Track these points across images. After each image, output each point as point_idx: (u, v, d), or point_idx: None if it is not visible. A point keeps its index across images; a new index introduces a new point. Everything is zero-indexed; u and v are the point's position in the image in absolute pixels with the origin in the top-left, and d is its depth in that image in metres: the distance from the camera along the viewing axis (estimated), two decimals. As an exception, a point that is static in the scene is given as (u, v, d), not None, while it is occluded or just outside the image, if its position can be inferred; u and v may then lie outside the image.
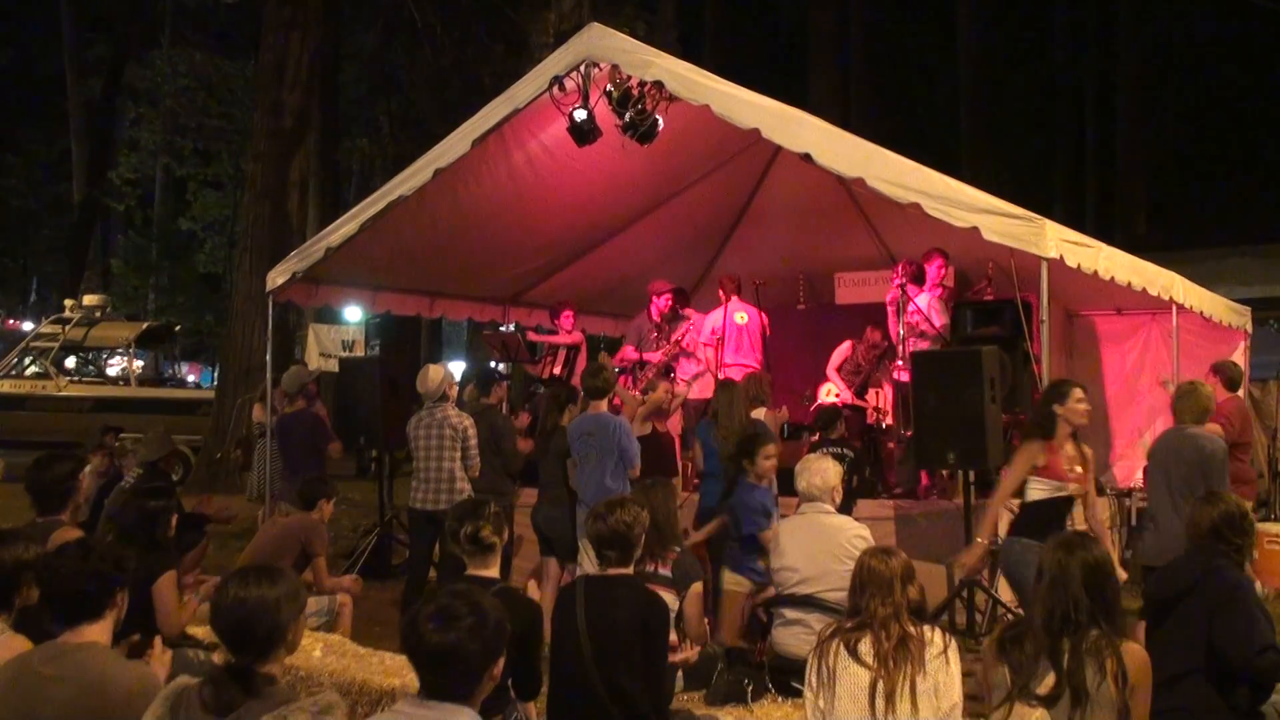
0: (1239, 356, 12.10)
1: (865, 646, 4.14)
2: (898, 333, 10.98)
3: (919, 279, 10.84)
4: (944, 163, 8.81)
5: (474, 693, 3.24)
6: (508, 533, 5.43)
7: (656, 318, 11.74)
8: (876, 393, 11.49)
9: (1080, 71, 33.20)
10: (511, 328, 13.70)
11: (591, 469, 8.13)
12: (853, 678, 4.09)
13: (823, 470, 6.63)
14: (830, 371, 11.79)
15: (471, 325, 18.82)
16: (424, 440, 8.84)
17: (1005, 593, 8.47)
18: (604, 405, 8.40)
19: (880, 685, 4.05)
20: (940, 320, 10.49)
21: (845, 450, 9.07)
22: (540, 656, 4.95)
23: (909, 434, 9.59)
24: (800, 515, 6.65)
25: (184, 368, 31.17)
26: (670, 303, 11.69)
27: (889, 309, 11.10)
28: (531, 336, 13.03)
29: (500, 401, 9.86)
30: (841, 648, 4.17)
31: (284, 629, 3.43)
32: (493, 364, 14.07)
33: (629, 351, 11.86)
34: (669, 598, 6.14)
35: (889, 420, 11.13)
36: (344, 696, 5.53)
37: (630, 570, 5.10)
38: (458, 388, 9.70)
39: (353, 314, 18.16)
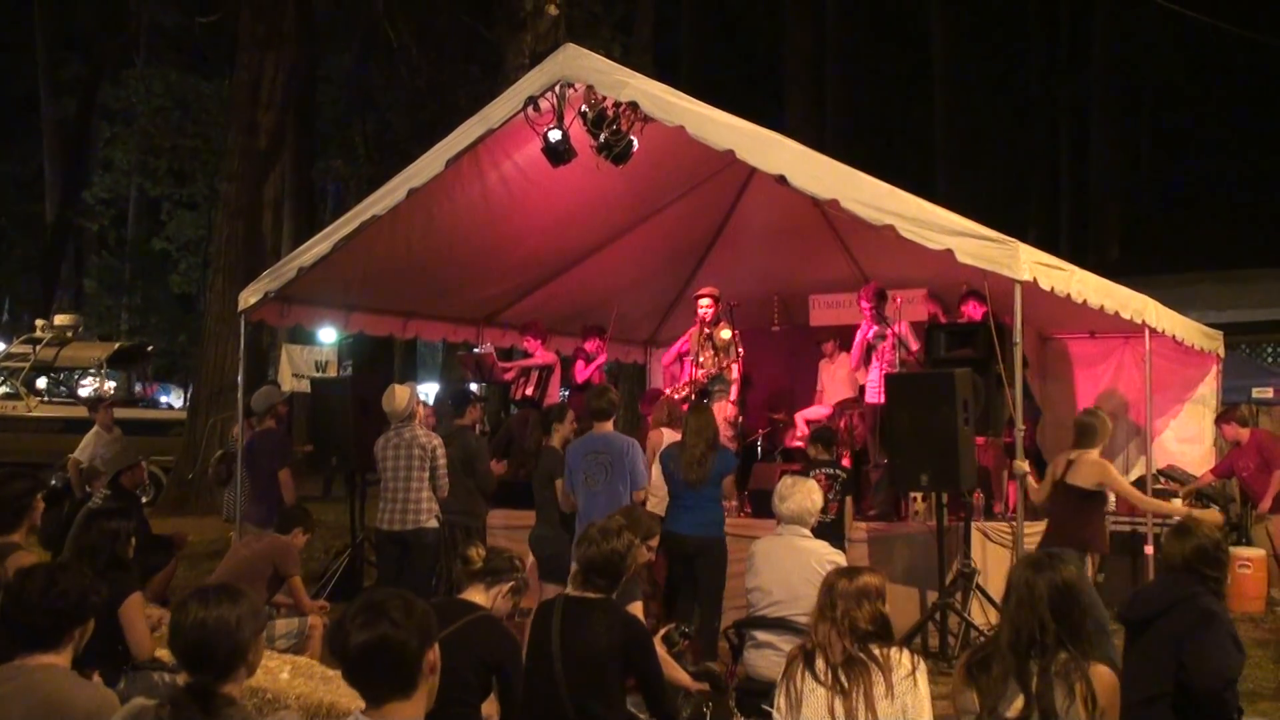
0: (1211, 380, 12.17)
1: (820, 664, 4.10)
2: (859, 357, 11.03)
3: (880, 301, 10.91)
4: (920, 187, 8.83)
5: (415, 686, 3.10)
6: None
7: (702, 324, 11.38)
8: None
9: (1054, 97, 33.41)
10: (488, 348, 13.65)
11: (599, 490, 7.98)
12: (818, 700, 4.05)
13: (810, 493, 6.59)
14: (798, 419, 11.79)
15: (446, 346, 18.77)
16: (391, 461, 8.78)
17: (978, 615, 8.48)
18: (609, 425, 8.29)
19: (838, 703, 4.01)
20: (915, 345, 10.53)
21: (838, 471, 9.02)
22: (521, 687, 4.88)
23: (884, 459, 9.60)
24: (777, 536, 6.60)
25: (169, 392, 30.98)
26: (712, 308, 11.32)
27: (856, 343, 11.17)
28: (507, 376, 12.86)
29: (475, 422, 9.78)
30: (804, 668, 4.14)
31: (244, 649, 3.37)
32: (471, 385, 14.01)
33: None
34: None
35: (859, 444, 11.13)
36: (311, 719, 5.48)
37: (613, 595, 5.05)
38: (433, 408, 9.63)
39: (327, 335, 18.05)
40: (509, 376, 12.80)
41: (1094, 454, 7.95)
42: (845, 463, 11.12)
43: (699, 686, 6.30)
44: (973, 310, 10.36)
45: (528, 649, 4.95)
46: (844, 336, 11.94)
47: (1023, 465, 7.94)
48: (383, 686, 3.08)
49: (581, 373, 12.46)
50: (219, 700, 3.29)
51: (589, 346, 12.62)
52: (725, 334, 11.15)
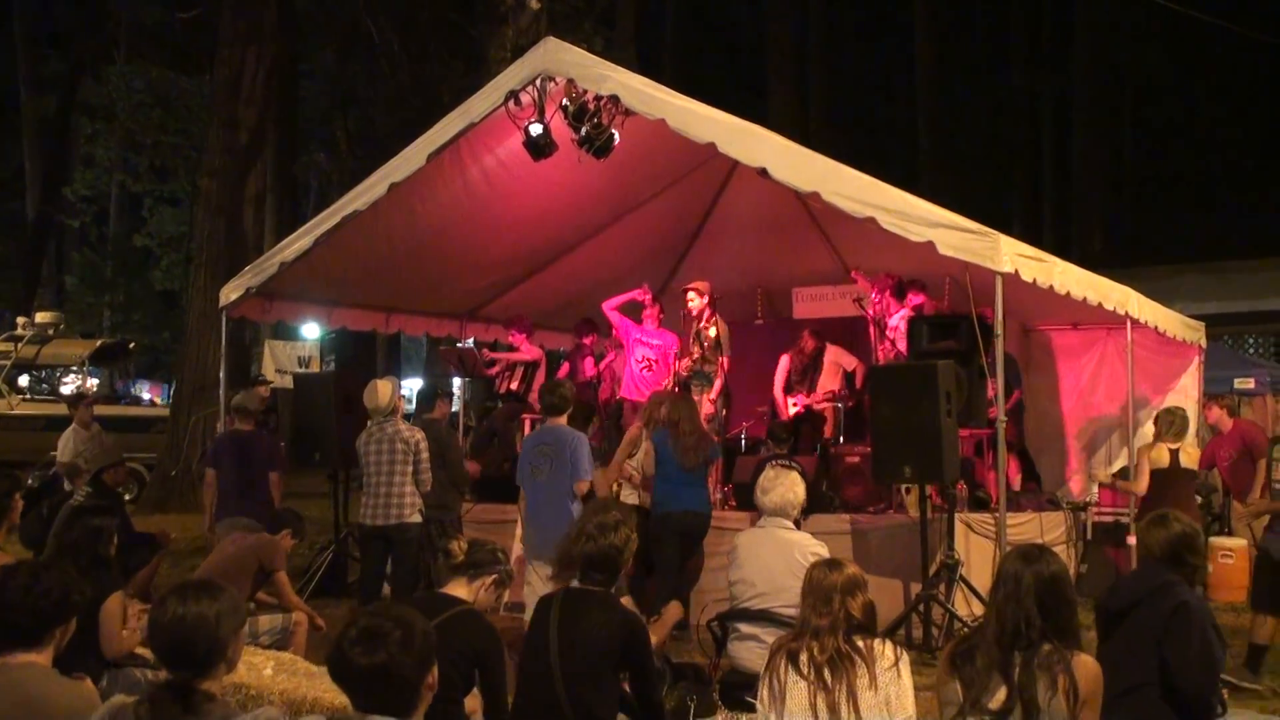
0: (1193, 372, 12.19)
1: (804, 658, 4.11)
2: (881, 350, 11.02)
3: (899, 294, 10.88)
4: (903, 180, 8.87)
5: (415, 708, 3.15)
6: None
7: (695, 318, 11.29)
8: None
9: (1037, 90, 33.47)
10: (470, 343, 13.62)
11: (543, 482, 8.04)
12: (801, 692, 4.06)
13: (793, 485, 6.60)
14: (778, 393, 11.89)
15: (429, 341, 18.71)
16: (374, 456, 8.74)
17: (961, 607, 8.48)
18: (563, 420, 8.30)
19: (820, 698, 4.02)
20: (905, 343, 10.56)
21: (791, 464, 9.04)
22: (505, 682, 4.88)
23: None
24: (760, 529, 6.61)
25: (145, 387, 30.86)
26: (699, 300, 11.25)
27: (871, 328, 11.14)
28: (491, 371, 12.79)
29: (444, 416, 9.75)
30: (786, 662, 4.14)
31: (223, 646, 3.34)
32: (454, 379, 13.96)
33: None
34: None
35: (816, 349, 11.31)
36: (295, 715, 5.46)
37: (611, 588, 5.06)
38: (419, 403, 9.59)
39: (310, 330, 18.03)
40: (493, 371, 12.76)
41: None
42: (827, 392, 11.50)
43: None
44: (913, 300, 10.70)
45: (526, 640, 4.96)
46: (825, 329, 11.94)
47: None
48: (382, 708, 3.11)
49: (591, 369, 12.37)
50: (198, 697, 3.27)
51: (588, 342, 12.57)
52: (712, 331, 11.15)
